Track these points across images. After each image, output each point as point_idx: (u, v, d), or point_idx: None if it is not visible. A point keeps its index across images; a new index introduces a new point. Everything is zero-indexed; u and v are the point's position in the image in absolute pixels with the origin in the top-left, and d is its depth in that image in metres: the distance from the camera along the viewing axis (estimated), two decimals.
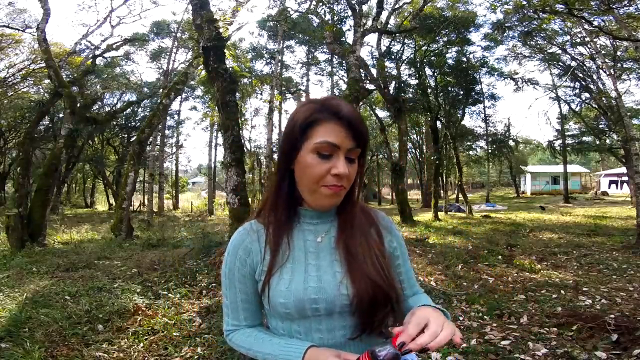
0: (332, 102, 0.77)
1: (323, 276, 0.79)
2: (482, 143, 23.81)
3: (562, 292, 4.08)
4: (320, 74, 22.27)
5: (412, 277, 0.92)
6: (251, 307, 0.86)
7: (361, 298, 0.76)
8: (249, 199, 7.34)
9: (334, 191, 0.77)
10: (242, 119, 18.72)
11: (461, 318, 3.35)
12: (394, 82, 14.87)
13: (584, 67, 15.03)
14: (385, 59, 14.64)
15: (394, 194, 16.40)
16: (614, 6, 6.78)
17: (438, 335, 0.65)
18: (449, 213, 15.75)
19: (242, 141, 5.86)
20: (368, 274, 0.77)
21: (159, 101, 11.46)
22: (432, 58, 15.34)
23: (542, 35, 13.90)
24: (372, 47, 24.21)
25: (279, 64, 18.21)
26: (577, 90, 16.96)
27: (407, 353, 0.65)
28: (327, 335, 0.80)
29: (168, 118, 20.49)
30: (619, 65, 13.05)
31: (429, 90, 16.00)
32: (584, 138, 19.79)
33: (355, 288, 0.77)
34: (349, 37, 12.54)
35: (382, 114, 20.05)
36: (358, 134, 0.76)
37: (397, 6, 13.46)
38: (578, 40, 13.64)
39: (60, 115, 15.83)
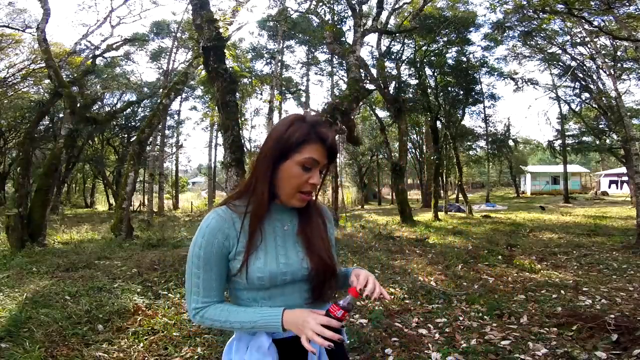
0: (322, 129, 0.97)
1: (289, 255, 1.01)
2: (482, 143, 23.82)
3: (562, 292, 4.08)
4: (320, 74, 22.29)
5: (336, 257, 1.16)
6: (221, 284, 1.00)
7: (317, 270, 1.01)
8: None
9: (305, 198, 1.00)
10: (242, 119, 18.73)
11: (461, 318, 3.35)
12: (394, 82, 14.87)
13: (584, 67, 15.04)
14: (385, 59, 14.64)
15: (394, 194, 16.41)
16: (614, 6, 6.78)
17: (375, 285, 1.02)
18: (449, 213, 15.76)
19: (242, 141, 5.86)
20: (320, 254, 1.02)
21: (159, 101, 11.46)
22: (432, 58, 15.34)
23: (542, 35, 13.91)
24: (372, 47, 24.21)
25: (279, 64, 18.22)
26: (577, 90, 16.98)
27: (367, 298, 0.99)
28: (288, 299, 1.00)
29: (168, 118, 20.50)
30: (619, 65, 13.06)
31: (429, 90, 16.01)
32: (584, 138, 19.80)
33: (313, 263, 1.01)
34: (349, 37, 12.56)
35: (382, 114, 20.07)
36: (333, 155, 0.99)
37: (397, 6, 13.46)
38: (578, 40, 13.66)
39: (60, 115, 15.84)
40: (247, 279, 0.96)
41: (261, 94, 19.96)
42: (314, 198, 1.06)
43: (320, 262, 1.02)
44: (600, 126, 17.17)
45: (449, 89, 16.47)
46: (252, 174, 1.02)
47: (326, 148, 0.96)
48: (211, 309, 0.98)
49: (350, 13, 10.82)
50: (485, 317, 3.38)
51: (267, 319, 0.93)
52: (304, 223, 1.05)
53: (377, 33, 12.76)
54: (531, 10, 8.77)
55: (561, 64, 16.37)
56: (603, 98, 13.99)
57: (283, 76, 19.01)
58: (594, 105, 16.20)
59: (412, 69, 15.99)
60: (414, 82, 16.14)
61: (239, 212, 1.00)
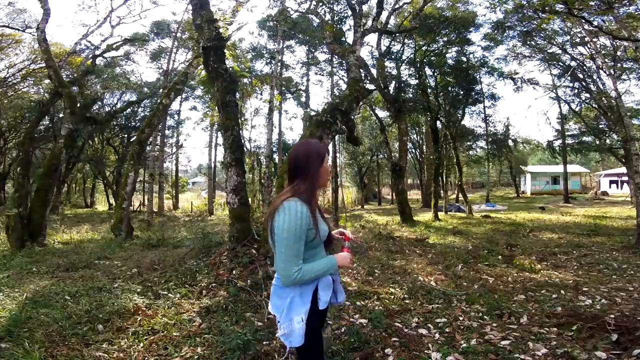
0: (325, 145, 1.79)
1: (323, 224, 1.70)
2: (482, 143, 23.82)
3: (562, 292, 4.08)
4: (320, 74, 22.26)
5: None
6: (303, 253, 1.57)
7: (330, 232, 1.74)
8: (249, 199, 7.34)
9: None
10: (242, 119, 18.71)
11: (461, 318, 3.35)
12: (394, 82, 14.87)
13: (584, 67, 15.02)
14: (385, 59, 14.64)
15: (394, 194, 16.41)
16: (614, 6, 6.78)
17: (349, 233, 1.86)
18: (449, 213, 15.75)
19: (242, 141, 5.86)
20: (327, 222, 1.79)
21: (159, 101, 11.46)
22: (432, 58, 15.34)
23: (542, 35, 13.89)
24: (372, 47, 24.23)
25: (279, 64, 18.19)
26: (577, 90, 16.95)
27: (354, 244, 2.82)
28: (322, 251, 1.67)
29: (168, 118, 20.50)
30: (619, 65, 13.04)
31: (429, 90, 16.00)
32: (584, 138, 19.77)
33: (329, 228, 1.75)
34: (349, 37, 12.56)
35: (382, 114, 20.07)
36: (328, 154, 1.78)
37: (397, 6, 13.45)
38: (578, 40, 13.64)
39: (60, 115, 15.82)
40: (320, 236, 1.60)
41: (261, 94, 19.96)
42: None
43: (329, 226, 1.76)
44: (600, 126, 17.15)
45: (449, 89, 16.46)
46: (306, 179, 1.59)
47: (327, 151, 1.72)
48: (305, 267, 1.53)
49: (350, 13, 10.82)
50: (485, 317, 3.38)
51: (331, 261, 1.62)
52: (318, 205, 1.73)
53: (377, 33, 12.76)
54: (531, 10, 8.77)
55: (561, 64, 16.36)
56: (603, 98, 13.97)
57: (283, 76, 18.99)
58: (594, 105, 16.17)
59: (412, 69, 15.98)
60: (414, 82, 16.13)
61: (305, 202, 1.56)
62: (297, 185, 1.59)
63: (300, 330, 1.53)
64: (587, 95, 16.21)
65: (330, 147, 14.19)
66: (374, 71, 13.70)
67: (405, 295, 4.04)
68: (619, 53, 12.79)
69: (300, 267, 1.50)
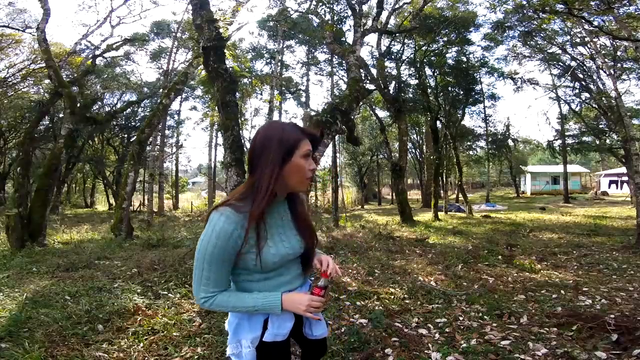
0: (305, 128, 1.24)
1: (290, 239, 1.27)
2: (482, 143, 23.82)
3: (562, 292, 4.08)
4: (320, 74, 22.26)
5: None
6: (229, 275, 1.20)
7: (307, 247, 1.30)
8: None
9: (310, 182, 1.25)
10: (242, 119, 18.73)
11: (461, 318, 3.35)
12: (394, 82, 14.87)
13: (584, 67, 15.03)
14: (385, 59, 14.64)
15: (394, 194, 16.41)
16: (614, 6, 6.78)
17: (334, 268, 1.29)
18: (448, 213, 15.75)
19: (242, 141, 5.86)
20: (309, 233, 1.31)
21: (159, 101, 11.46)
22: (432, 58, 15.34)
23: (542, 35, 13.90)
24: (372, 47, 24.26)
25: (279, 64, 18.20)
26: (577, 90, 16.96)
27: (332, 278, 1.28)
28: (289, 273, 1.28)
29: (168, 118, 20.48)
30: (619, 65, 13.05)
31: (429, 90, 16.00)
32: (584, 138, 19.77)
33: (305, 242, 1.30)
34: (349, 37, 12.55)
35: (382, 114, 20.06)
36: (316, 143, 1.26)
37: (397, 6, 13.45)
38: (578, 40, 13.65)
39: (60, 115, 15.82)
40: (262, 265, 1.17)
41: (261, 94, 19.98)
42: None
43: (310, 241, 1.32)
44: (600, 126, 17.15)
45: (449, 89, 16.47)
46: (255, 177, 1.15)
47: (310, 140, 1.22)
48: (219, 297, 1.17)
49: (350, 13, 10.82)
50: (485, 317, 3.38)
51: (270, 301, 1.18)
52: (295, 210, 1.32)
53: (377, 33, 12.76)
54: (531, 10, 8.77)
55: (561, 64, 16.36)
56: (603, 98, 13.96)
57: (283, 76, 18.99)
58: (594, 105, 16.17)
59: (412, 69, 15.99)
60: (414, 82, 16.13)
61: (244, 212, 1.14)
62: (245, 187, 1.19)
63: (249, 355, 1.21)
64: (587, 95, 16.22)
65: (330, 147, 14.17)
66: (374, 71, 13.71)
67: (405, 295, 4.04)
68: (619, 53, 12.79)
69: (211, 296, 1.15)
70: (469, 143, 23.49)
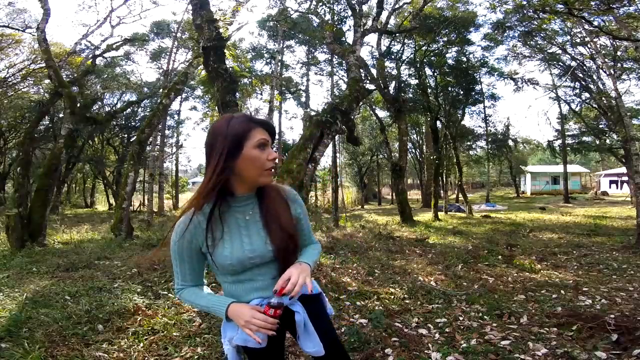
0: (255, 117, 1.18)
1: (254, 241, 1.17)
2: (482, 143, 23.82)
3: (562, 292, 4.08)
4: (320, 74, 22.28)
5: (309, 232, 1.36)
6: (194, 273, 1.21)
7: (279, 250, 1.17)
8: None
9: (270, 173, 1.16)
10: None
11: (461, 318, 3.35)
12: (394, 82, 14.87)
13: (584, 67, 15.03)
14: (385, 59, 14.64)
15: (394, 194, 16.40)
16: (614, 6, 6.78)
17: (295, 283, 1.09)
18: (448, 213, 15.75)
19: None
20: (281, 235, 1.17)
21: (159, 101, 11.46)
22: (432, 58, 15.35)
23: (542, 35, 13.89)
24: (372, 47, 24.22)
25: (279, 64, 18.20)
26: (577, 90, 16.96)
27: (284, 296, 1.09)
28: (262, 277, 1.19)
29: (168, 118, 20.47)
30: (619, 65, 13.04)
31: (429, 90, 16.01)
32: (584, 138, 19.78)
33: (275, 244, 1.17)
34: (349, 37, 12.55)
35: (382, 114, 20.07)
36: (272, 132, 1.18)
37: (397, 6, 13.45)
38: (578, 40, 13.65)
39: (60, 115, 15.82)
40: (218, 266, 1.16)
41: (261, 94, 19.98)
42: (273, 182, 1.23)
43: (282, 242, 1.17)
44: (600, 126, 17.16)
45: (449, 89, 16.47)
46: (206, 176, 1.12)
47: (265, 129, 1.16)
48: (185, 292, 1.21)
49: (350, 13, 10.82)
50: (485, 317, 3.37)
51: (216, 307, 1.15)
52: (264, 209, 1.20)
53: (377, 33, 12.76)
54: (531, 10, 8.77)
55: (561, 64, 16.36)
56: (603, 98, 13.97)
57: (283, 76, 19.00)
58: (594, 105, 16.18)
59: (412, 69, 15.99)
60: (414, 82, 16.14)
61: (204, 212, 1.14)
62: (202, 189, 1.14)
63: (229, 352, 1.21)
64: (587, 95, 16.22)
65: (330, 147, 14.17)
66: (374, 71, 13.71)
67: (405, 295, 4.04)
68: (619, 53, 12.79)
69: (180, 288, 1.21)
70: (469, 143, 23.49)
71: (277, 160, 1.16)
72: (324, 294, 1.37)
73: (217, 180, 1.09)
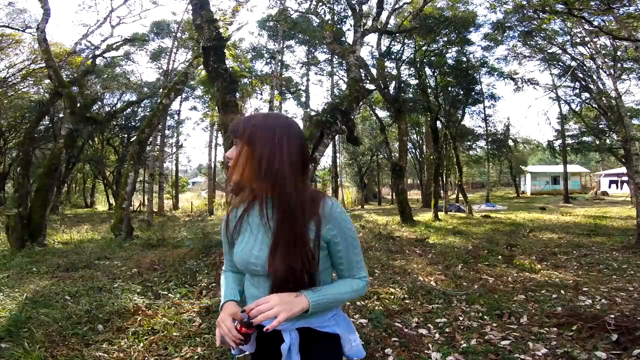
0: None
1: (261, 247, 1.06)
2: (482, 143, 23.82)
3: (562, 292, 4.08)
4: (320, 74, 22.32)
5: (352, 262, 1.11)
6: (231, 260, 1.19)
7: (273, 267, 1.02)
8: None
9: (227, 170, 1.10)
10: None
11: (461, 318, 3.35)
12: (394, 82, 14.87)
13: (584, 67, 15.02)
14: (385, 59, 14.64)
15: (394, 194, 16.40)
16: (614, 6, 6.78)
17: (262, 312, 0.97)
18: (449, 213, 15.74)
19: None
20: (283, 251, 1.00)
21: (159, 101, 11.46)
22: (432, 58, 15.34)
23: (542, 35, 13.89)
24: (372, 47, 24.26)
25: (279, 64, 18.21)
26: (577, 90, 16.96)
27: (251, 319, 0.99)
28: (263, 289, 1.08)
29: (168, 118, 20.49)
30: (619, 65, 13.04)
31: (429, 90, 16.00)
32: (584, 138, 19.78)
33: (270, 264, 1.02)
34: (349, 37, 12.56)
35: (382, 114, 20.07)
36: (231, 128, 1.10)
37: (397, 6, 13.45)
38: (578, 40, 13.64)
39: (60, 115, 15.82)
40: (234, 260, 1.13)
41: (261, 94, 19.96)
42: (285, 188, 1.01)
43: (280, 262, 1.00)
44: (600, 126, 17.16)
45: (449, 89, 16.47)
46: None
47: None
48: (223, 275, 1.25)
49: (350, 13, 10.83)
50: (485, 317, 3.38)
51: (222, 299, 1.15)
52: (274, 217, 1.04)
53: (377, 33, 12.76)
54: (531, 10, 8.77)
55: (561, 64, 16.35)
56: (603, 98, 13.97)
57: (283, 76, 19.00)
58: (594, 105, 16.18)
59: (412, 69, 15.99)
60: (414, 82, 16.14)
61: (243, 206, 1.15)
62: None
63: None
64: (587, 95, 16.22)
65: (330, 147, 14.22)
66: (374, 71, 13.71)
67: (405, 295, 4.03)
68: (619, 53, 12.79)
69: (223, 271, 1.27)
70: (469, 143, 23.49)
71: (229, 157, 1.13)
72: (351, 337, 1.14)
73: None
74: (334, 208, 1.06)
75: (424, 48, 15.03)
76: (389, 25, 12.45)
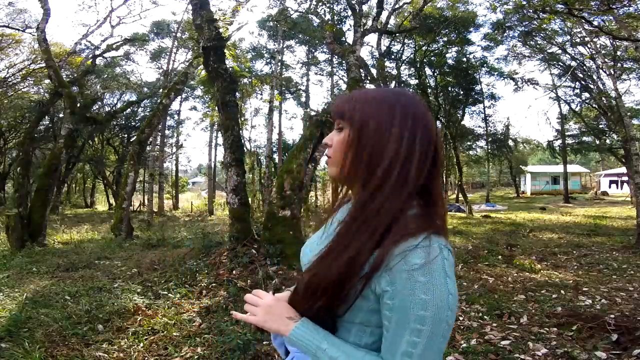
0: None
1: (317, 250, 0.79)
2: (482, 143, 23.82)
3: (562, 292, 4.08)
4: (320, 74, 22.29)
5: (396, 345, 0.68)
6: None
7: (306, 281, 0.76)
8: (249, 199, 7.34)
9: (330, 161, 0.82)
10: (242, 119, 18.72)
11: (461, 318, 3.35)
12: (394, 82, 14.88)
13: (584, 67, 15.03)
14: (385, 59, 14.66)
15: None
16: (614, 6, 6.77)
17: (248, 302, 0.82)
18: (449, 213, 15.74)
19: (242, 141, 5.87)
20: (319, 266, 0.74)
21: (159, 101, 11.46)
22: (432, 58, 15.37)
23: (542, 35, 13.90)
24: (372, 47, 24.20)
25: (279, 64, 18.22)
26: (577, 90, 16.98)
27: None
28: None
29: (168, 118, 20.48)
30: (619, 65, 13.05)
31: (429, 90, 16.02)
32: (584, 138, 19.79)
33: (307, 270, 0.78)
34: (349, 37, 12.55)
35: None
36: (333, 108, 0.81)
37: (397, 6, 13.46)
38: (578, 40, 13.65)
39: (60, 115, 15.81)
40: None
41: (261, 94, 19.96)
42: (380, 198, 0.72)
43: (313, 276, 0.75)
44: (600, 126, 17.17)
45: (449, 89, 16.50)
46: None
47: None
48: None
49: (350, 13, 10.82)
50: (485, 317, 3.38)
51: None
52: (339, 229, 0.78)
53: (377, 33, 12.76)
54: (531, 10, 8.77)
55: (561, 64, 16.37)
56: (603, 98, 13.98)
57: (283, 76, 19.01)
58: (594, 105, 16.19)
59: (412, 69, 16.02)
60: (414, 82, 16.16)
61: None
62: None
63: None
64: (587, 95, 16.23)
65: None
66: (374, 71, 13.71)
67: None
68: (619, 53, 12.79)
69: None
70: (469, 143, 23.51)
71: (326, 144, 0.83)
72: None
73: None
74: (407, 259, 0.66)
75: (424, 48, 15.05)
76: (389, 25, 12.45)
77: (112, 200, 22.50)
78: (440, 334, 0.66)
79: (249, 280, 4.13)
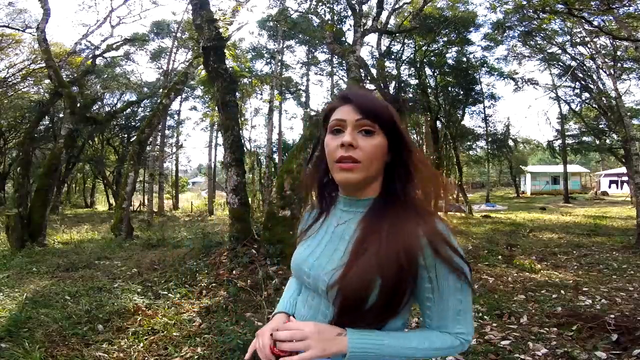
0: (344, 91, 0.90)
1: (322, 257, 0.84)
2: (482, 143, 23.80)
3: (562, 292, 4.08)
4: (320, 74, 22.28)
5: (444, 314, 0.78)
6: None
7: (336, 287, 0.77)
8: (249, 199, 7.34)
9: (342, 167, 0.80)
10: (242, 119, 18.72)
11: None
12: (394, 82, 14.88)
13: (584, 67, 15.02)
14: (385, 59, 14.65)
15: None
16: (614, 6, 6.77)
17: (290, 338, 0.76)
18: (448, 213, 15.73)
19: (242, 141, 5.87)
20: (355, 273, 0.75)
21: (159, 101, 11.46)
22: (432, 58, 15.36)
23: (542, 35, 13.89)
24: (372, 47, 24.19)
25: (279, 64, 18.21)
26: (577, 90, 16.96)
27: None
28: (310, 312, 0.87)
29: (168, 118, 20.47)
30: (619, 65, 13.04)
31: (429, 90, 16.02)
32: (584, 138, 19.78)
33: (337, 279, 0.77)
34: (349, 37, 12.55)
35: None
36: (364, 108, 0.80)
37: (397, 6, 13.45)
38: (578, 40, 13.64)
39: (60, 115, 15.81)
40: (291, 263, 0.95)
41: (261, 94, 19.96)
42: (397, 196, 0.83)
43: (347, 284, 0.75)
44: (600, 126, 17.16)
45: (449, 89, 16.49)
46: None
47: (351, 104, 0.81)
48: (290, 280, 1.09)
49: (350, 13, 10.82)
50: (485, 317, 3.38)
51: (279, 305, 1.00)
52: (366, 229, 0.80)
53: (377, 33, 12.77)
54: (531, 10, 8.77)
55: (561, 64, 16.35)
56: (603, 98, 13.97)
57: (283, 76, 19.00)
58: (594, 105, 16.18)
59: (412, 69, 16.01)
60: (414, 82, 16.16)
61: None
62: None
63: None
64: (587, 95, 16.22)
65: None
66: (374, 71, 13.71)
67: None
68: (619, 53, 12.79)
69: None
70: (469, 143, 23.49)
71: (350, 144, 0.79)
72: None
73: (311, 173, 0.95)
74: (440, 233, 0.77)
75: (424, 48, 15.05)
76: (389, 25, 12.45)
77: (112, 200, 22.50)
78: (467, 284, 0.80)
79: (249, 280, 4.13)
